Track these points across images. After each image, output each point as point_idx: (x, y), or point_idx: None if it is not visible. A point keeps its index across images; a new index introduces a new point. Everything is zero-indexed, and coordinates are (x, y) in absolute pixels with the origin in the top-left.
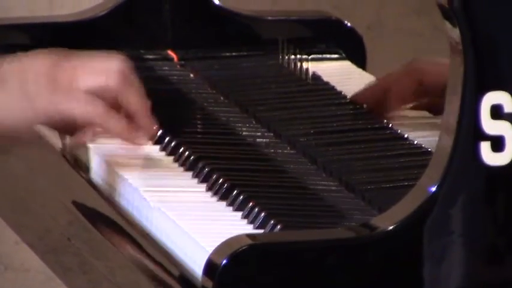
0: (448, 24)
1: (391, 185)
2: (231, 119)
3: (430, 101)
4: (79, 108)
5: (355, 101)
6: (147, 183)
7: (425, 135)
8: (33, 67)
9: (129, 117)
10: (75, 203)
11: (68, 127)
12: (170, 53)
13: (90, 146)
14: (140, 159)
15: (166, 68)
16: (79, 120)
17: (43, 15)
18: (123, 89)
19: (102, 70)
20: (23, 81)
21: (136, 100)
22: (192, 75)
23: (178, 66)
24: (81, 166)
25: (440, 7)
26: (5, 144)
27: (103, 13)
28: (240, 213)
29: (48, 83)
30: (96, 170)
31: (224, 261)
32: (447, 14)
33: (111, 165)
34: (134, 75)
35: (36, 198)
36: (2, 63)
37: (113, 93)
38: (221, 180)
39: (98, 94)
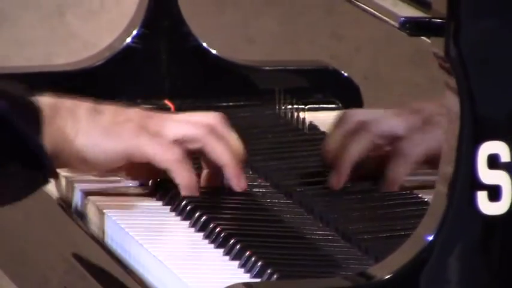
0: (444, 74)
1: (388, 234)
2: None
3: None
4: (157, 150)
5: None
6: (146, 233)
7: (422, 185)
8: (126, 112)
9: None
10: (72, 253)
11: (140, 170)
12: (167, 102)
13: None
14: (141, 213)
15: None
16: (153, 162)
17: (40, 64)
18: (208, 141)
19: (191, 121)
20: (114, 122)
21: (222, 153)
22: None
23: None
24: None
25: (437, 57)
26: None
27: (100, 63)
28: (237, 263)
29: (138, 127)
30: (96, 223)
31: None
32: (444, 64)
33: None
34: (228, 131)
35: (34, 248)
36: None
37: (199, 144)
38: (218, 229)
39: (184, 143)
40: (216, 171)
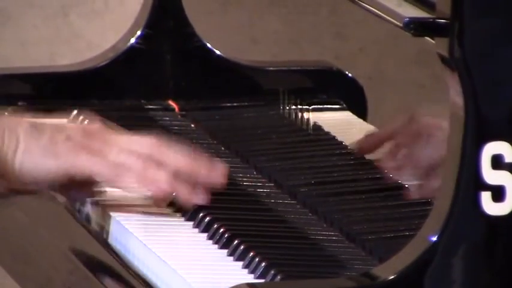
0: (448, 75)
1: (392, 234)
2: (232, 169)
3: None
4: (98, 166)
5: (357, 150)
6: (150, 234)
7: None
8: (67, 130)
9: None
10: (75, 252)
11: (75, 184)
12: (171, 103)
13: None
14: (146, 215)
15: (167, 118)
16: (93, 176)
17: (44, 65)
18: (156, 152)
19: (131, 150)
20: (53, 141)
21: (173, 156)
22: (193, 125)
23: (179, 117)
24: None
25: (441, 58)
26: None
27: (104, 63)
28: (240, 263)
29: (77, 145)
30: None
31: None
32: (448, 64)
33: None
34: (166, 152)
35: (37, 248)
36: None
37: (134, 176)
38: (222, 230)
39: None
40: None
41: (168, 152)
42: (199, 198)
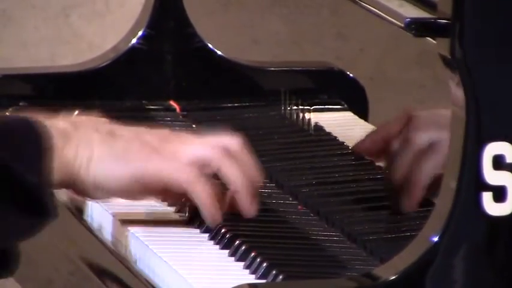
0: (450, 75)
1: (393, 235)
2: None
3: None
4: (170, 171)
5: (357, 150)
6: (151, 234)
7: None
8: (143, 136)
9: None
10: (77, 254)
11: (157, 192)
12: (172, 103)
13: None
14: (144, 212)
15: (169, 118)
16: (168, 184)
17: (45, 65)
18: (223, 163)
19: (208, 143)
20: (127, 148)
21: (235, 178)
22: (194, 125)
23: (180, 117)
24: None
25: (443, 58)
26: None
27: (105, 63)
28: (242, 264)
29: (150, 151)
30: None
31: None
32: (449, 65)
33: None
34: (244, 153)
35: (39, 249)
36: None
37: (214, 167)
38: (223, 230)
39: (200, 166)
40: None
41: (243, 149)
42: (253, 213)
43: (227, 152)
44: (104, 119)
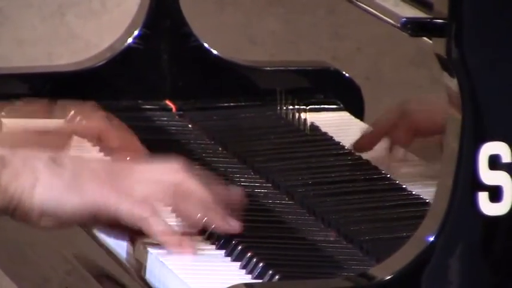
0: (446, 75)
1: (389, 235)
2: (229, 169)
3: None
4: (126, 206)
5: (356, 149)
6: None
7: (423, 185)
8: (88, 164)
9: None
10: (73, 253)
11: (112, 225)
12: (168, 103)
13: None
14: None
15: (165, 118)
16: (123, 218)
17: (41, 64)
18: (174, 202)
19: (157, 181)
20: (76, 176)
21: (192, 212)
22: (190, 125)
23: (176, 117)
24: None
25: (439, 58)
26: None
27: (101, 63)
28: (238, 264)
29: (103, 183)
30: None
31: None
32: (445, 65)
33: None
34: (193, 184)
35: (35, 248)
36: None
37: (167, 205)
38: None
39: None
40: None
41: (192, 180)
42: (233, 225)
43: (175, 189)
44: (41, 149)
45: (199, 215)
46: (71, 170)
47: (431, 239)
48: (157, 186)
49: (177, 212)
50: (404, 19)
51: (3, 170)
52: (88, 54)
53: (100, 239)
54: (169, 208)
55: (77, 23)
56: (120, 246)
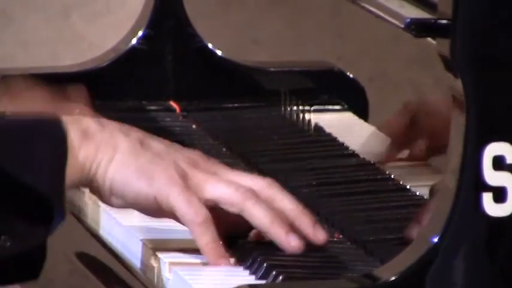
0: (450, 76)
1: (393, 236)
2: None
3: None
4: (182, 207)
5: (383, 162)
6: (146, 229)
7: (427, 186)
8: (174, 154)
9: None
10: (77, 253)
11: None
12: (172, 103)
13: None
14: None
15: (169, 119)
16: (176, 214)
17: (45, 65)
18: (245, 206)
19: (234, 183)
20: (153, 162)
21: (259, 217)
22: (194, 126)
23: (180, 117)
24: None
25: (443, 59)
26: None
27: (105, 64)
28: (242, 264)
29: (175, 175)
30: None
31: None
32: (449, 65)
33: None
34: (275, 191)
35: None
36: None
37: (237, 210)
38: None
39: (220, 205)
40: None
41: (279, 194)
42: (295, 245)
43: (251, 194)
44: (135, 128)
45: (267, 220)
46: (152, 155)
47: (436, 239)
48: (228, 188)
49: (244, 216)
50: (409, 20)
51: (84, 142)
52: (92, 55)
53: (105, 241)
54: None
55: (82, 24)
56: (129, 251)
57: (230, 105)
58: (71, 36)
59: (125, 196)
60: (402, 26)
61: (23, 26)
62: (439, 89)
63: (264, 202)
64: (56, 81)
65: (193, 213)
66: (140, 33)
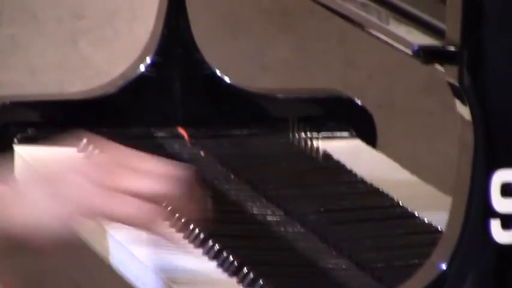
0: (458, 102)
1: (401, 263)
2: (241, 197)
3: None
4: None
5: None
6: (158, 261)
7: (435, 213)
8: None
9: None
10: (84, 278)
11: None
12: (180, 130)
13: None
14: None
15: (177, 145)
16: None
17: (53, 92)
18: (105, 209)
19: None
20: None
21: (123, 214)
22: (202, 153)
23: (188, 144)
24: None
25: (451, 86)
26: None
27: (113, 90)
28: None
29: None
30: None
31: None
32: (458, 92)
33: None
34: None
35: (47, 274)
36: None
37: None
38: (231, 258)
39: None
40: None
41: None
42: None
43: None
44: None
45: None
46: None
47: (444, 266)
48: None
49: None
50: (417, 46)
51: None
52: (100, 81)
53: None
54: None
55: (89, 50)
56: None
57: (238, 132)
58: (78, 63)
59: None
60: (410, 52)
61: (30, 53)
62: (447, 115)
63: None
64: (64, 108)
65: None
66: (148, 60)
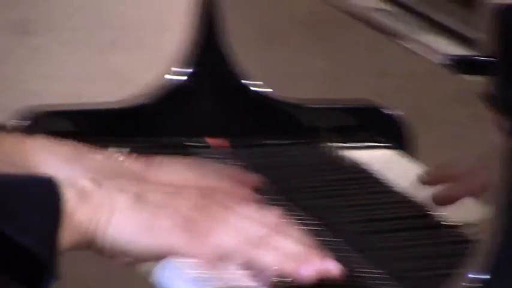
0: (492, 114)
1: (435, 272)
2: (275, 206)
3: None
4: (188, 253)
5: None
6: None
7: (471, 223)
8: (175, 201)
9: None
10: None
11: None
12: (212, 140)
13: None
14: None
15: (208, 155)
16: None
17: (79, 102)
18: (251, 255)
19: (238, 231)
20: (156, 215)
21: (267, 263)
22: (234, 163)
23: (219, 154)
24: None
25: (484, 96)
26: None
27: (146, 101)
28: None
29: (180, 223)
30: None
31: None
32: (491, 103)
33: None
34: (285, 229)
35: None
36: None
37: (241, 261)
38: None
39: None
40: None
41: (286, 235)
42: (308, 274)
43: (257, 241)
44: (131, 182)
45: (277, 262)
46: (151, 208)
47: (479, 277)
48: (233, 238)
49: (252, 264)
50: (451, 57)
51: (81, 203)
52: (123, 91)
53: None
54: None
55: (113, 59)
56: None
57: (270, 142)
58: (102, 72)
59: (129, 253)
60: (442, 62)
61: (50, 62)
62: (478, 126)
63: (271, 246)
64: (96, 118)
65: (208, 252)
66: (182, 69)
